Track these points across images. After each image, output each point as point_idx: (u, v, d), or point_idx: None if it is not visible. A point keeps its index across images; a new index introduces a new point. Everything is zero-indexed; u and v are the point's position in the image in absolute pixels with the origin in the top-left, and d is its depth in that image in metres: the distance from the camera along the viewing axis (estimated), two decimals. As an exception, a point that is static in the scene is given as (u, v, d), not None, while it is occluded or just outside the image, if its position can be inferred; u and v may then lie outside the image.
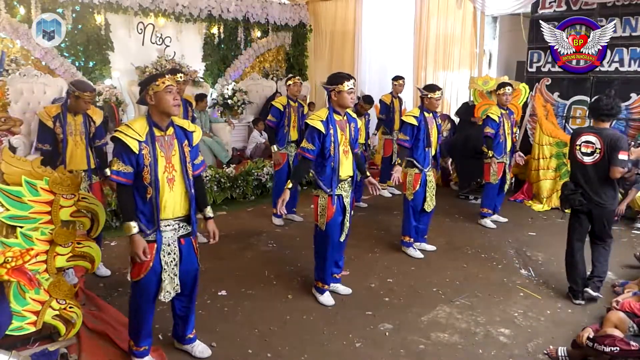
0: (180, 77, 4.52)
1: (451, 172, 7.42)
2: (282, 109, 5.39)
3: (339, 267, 3.90)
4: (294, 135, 5.53)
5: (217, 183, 6.28)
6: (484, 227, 5.63)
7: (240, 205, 6.43)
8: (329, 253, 3.67)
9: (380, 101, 6.76)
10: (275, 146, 5.46)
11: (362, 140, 6.28)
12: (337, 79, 3.45)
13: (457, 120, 7.81)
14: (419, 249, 4.79)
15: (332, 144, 3.46)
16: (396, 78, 6.85)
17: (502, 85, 5.50)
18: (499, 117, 5.37)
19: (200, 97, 7.47)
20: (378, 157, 7.61)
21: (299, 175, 3.70)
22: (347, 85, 3.42)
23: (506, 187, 5.75)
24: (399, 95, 6.89)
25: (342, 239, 3.69)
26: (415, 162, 4.58)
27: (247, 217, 6.01)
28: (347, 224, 3.69)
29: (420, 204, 4.67)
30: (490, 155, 5.46)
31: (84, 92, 3.85)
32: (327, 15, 10.09)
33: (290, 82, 5.51)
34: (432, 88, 4.62)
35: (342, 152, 3.53)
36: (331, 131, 3.44)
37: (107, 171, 4.18)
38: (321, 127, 3.42)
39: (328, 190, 3.52)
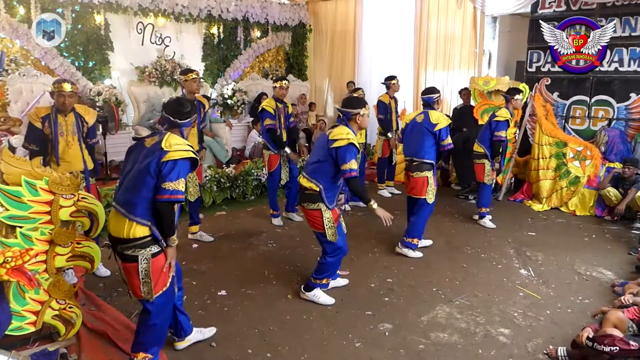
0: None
1: (450, 172, 7.43)
2: (273, 112, 5.36)
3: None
4: (284, 136, 5.52)
5: (216, 183, 6.28)
6: (484, 227, 5.63)
7: (240, 205, 6.43)
8: (340, 259, 3.80)
9: (379, 102, 6.71)
10: (287, 149, 5.43)
11: (362, 140, 6.30)
12: (359, 103, 3.63)
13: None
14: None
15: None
16: (391, 78, 6.72)
17: (517, 91, 5.59)
18: (508, 120, 5.43)
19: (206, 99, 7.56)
20: (376, 157, 7.56)
21: (361, 191, 3.68)
22: (367, 108, 3.64)
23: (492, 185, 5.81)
24: (395, 95, 6.86)
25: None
26: (433, 164, 4.62)
27: (247, 217, 6.01)
28: (344, 224, 3.82)
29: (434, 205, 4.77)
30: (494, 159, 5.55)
31: (58, 84, 3.81)
32: (327, 15, 10.10)
33: (277, 84, 5.45)
34: (436, 90, 4.82)
35: None
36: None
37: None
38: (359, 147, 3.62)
39: (330, 206, 3.58)
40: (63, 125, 3.89)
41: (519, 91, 5.61)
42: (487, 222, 5.67)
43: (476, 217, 5.82)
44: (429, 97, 4.75)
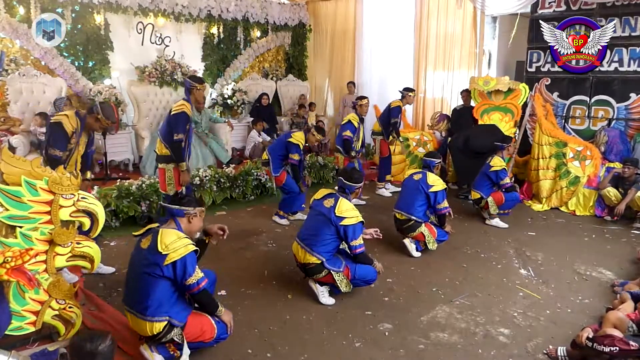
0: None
1: (447, 171, 7.44)
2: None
3: None
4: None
5: (216, 183, 6.28)
6: (496, 226, 5.63)
7: (239, 205, 6.42)
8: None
9: (397, 107, 6.74)
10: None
11: (359, 145, 6.40)
12: (361, 178, 3.91)
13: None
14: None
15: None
16: (410, 90, 6.82)
17: (510, 139, 6.09)
18: (505, 167, 5.75)
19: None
20: (376, 158, 7.54)
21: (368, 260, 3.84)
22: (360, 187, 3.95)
23: None
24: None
25: None
26: (422, 222, 4.74)
27: (247, 217, 6.01)
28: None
29: None
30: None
31: (107, 120, 4.09)
32: (326, 15, 10.09)
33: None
34: (438, 156, 5.14)
35: None
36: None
37: (88, 174, 4.36)
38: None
39: (341, 269, 3.72)
40: (82, 139, 4.11)
41: (510, 139, 5.98)
42: (499, 221, 5.68)
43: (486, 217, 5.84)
44: (431, 161, 4.93)
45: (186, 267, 2.68)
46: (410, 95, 6.75)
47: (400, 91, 6.84)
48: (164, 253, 2.65)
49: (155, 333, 2.72)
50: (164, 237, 2.70)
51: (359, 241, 3.65)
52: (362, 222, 3.69)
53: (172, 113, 4.55)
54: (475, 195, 5.76)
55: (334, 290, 3.77)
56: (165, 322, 2.72)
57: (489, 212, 5.73)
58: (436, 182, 4.72)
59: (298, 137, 5.46)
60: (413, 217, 4.65)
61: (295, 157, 5.40)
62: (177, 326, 2.76)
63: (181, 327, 2.78)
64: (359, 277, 3.70)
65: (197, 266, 2.76)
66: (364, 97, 6.56)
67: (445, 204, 4.73)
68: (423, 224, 4.68)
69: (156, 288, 2.69)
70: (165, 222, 2.88)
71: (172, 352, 2.83)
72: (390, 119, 6.76)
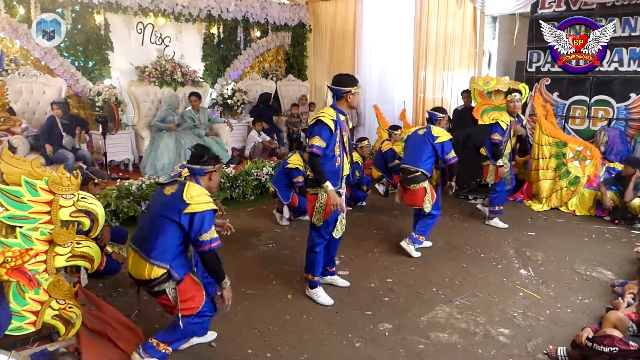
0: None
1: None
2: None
3: (333, 262, 4.09)
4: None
5: (216, 183, 6.27)
6: (495, 227, 5.61)
7: (239, 205, 6.43)
8: (321, 249, 3.78)
9: (389, 150, 6.83)
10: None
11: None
12: (350, 81, 3.52)
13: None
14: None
15: (337, 143, 3.51)
16: (396, 127, 7.08)
17: (511, 91, 5.59)
18: (507, 125, 5.31)
19: (197, 96, 7.53)
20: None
21: (320, 170, 3.46)
22: (359, 86, 3.59)
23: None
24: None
25: (337, 236, 3.74)
26: (428, 176, 4.62)
27: (247, 217, 6.01)
28: (344, 222, 3.74)
29: None
30: (501, 163, 5.38)
31: (103, 180, 4.07)
32: (326, 15, 10.10)
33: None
34: (443, 110, 4.91)
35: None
36: (338, 132, 3.49)
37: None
38: (332, 126, 3.44)
39: (334, 187, 3.46)
40: None
41: (514, 90, 5.65)
42: (498, 221, 5.65)
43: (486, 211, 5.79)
44: (434, 114, 4.81)
45: (204, 222, 2.69)
46: (396, 134, 6.95)
47: (387, 130, 7.10)
48: (187, 202, 2.68)
49: (152, 278, 2.71)
50: (191, 189, 2.73)
51: (315, 141, 3.40)
52: (326, 124, 3.40)
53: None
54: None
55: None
56: (165, 270, 2.72)
57: (489, 212, 5.72)
58: (441, 133, 4.63)
59: (295, 161, 5.56)
60: (420, 169, 4.59)
61: (300, 179, 5.51)
62: (174, 279, 2.74)
63: (177, 282, 2.75)
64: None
65: (213, 227, 2.74)
66: (365, 139, 6.61)
67: (453, 153, 4.61)
68: (427, 180, 4.60)
69: (167, 232, 2.70)
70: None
71: (164, 351, 2.83)
72: (386, 163, 6.89)
